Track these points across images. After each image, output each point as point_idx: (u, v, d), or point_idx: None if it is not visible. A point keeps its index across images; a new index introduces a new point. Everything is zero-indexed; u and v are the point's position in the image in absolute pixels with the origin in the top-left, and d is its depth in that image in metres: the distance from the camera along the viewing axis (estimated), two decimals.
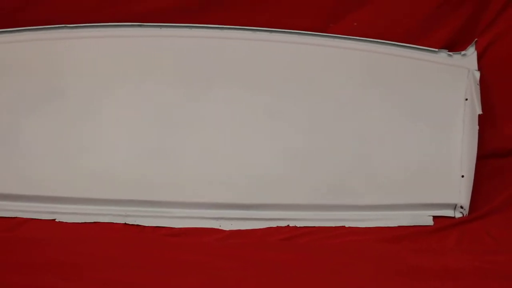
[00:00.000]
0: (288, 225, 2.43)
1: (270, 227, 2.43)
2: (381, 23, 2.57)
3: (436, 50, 2.54)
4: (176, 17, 2.50)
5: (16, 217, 2.42)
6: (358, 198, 2.46)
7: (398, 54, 2.49)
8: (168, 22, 2.47)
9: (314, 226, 2.42)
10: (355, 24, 2.55)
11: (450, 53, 2.54)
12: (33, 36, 2.44)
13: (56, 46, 2.45)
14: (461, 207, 2.47)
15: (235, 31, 2.47)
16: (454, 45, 2.63)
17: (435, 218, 2.46)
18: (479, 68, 2.53)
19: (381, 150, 2.48)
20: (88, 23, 2.46)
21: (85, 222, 2.42)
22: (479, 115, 2.46)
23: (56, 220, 2.42)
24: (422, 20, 2.63)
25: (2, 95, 2.45)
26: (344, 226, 2.43)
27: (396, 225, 2.43)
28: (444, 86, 2.51)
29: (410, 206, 2.47)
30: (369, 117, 2.49)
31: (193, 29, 2.46)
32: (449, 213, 2.48)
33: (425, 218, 2.45)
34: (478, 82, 2.51)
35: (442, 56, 2.54)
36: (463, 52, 2.55)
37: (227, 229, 2.42)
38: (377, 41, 2.50)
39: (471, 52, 2.55)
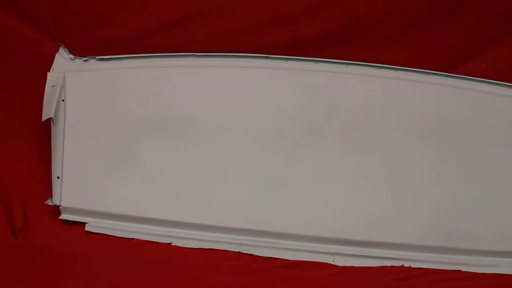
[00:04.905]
0: (403, 265, 2.40)
1: (384, 266, 2.41)
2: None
3: None
4: (301, 51, 2.50)
5: (134, 238, 2.48)
6: (476, 243, 2.41)
7: None
8: (293, 55, 2.48)
9: (429, 268, 2.39)
10: (484, 66, 2.49)
11: None
12: (162, 62, 2.49)
13: (183, 73, 2.49)
14: None
15: (360, 67, 2.45)
16: None
17: None
18: None
19: (502, 195, 2.42)
20: (216, 52, 2.49)
21: (200, 248, 2.45)
22: None
23: (172, 244, 2.46)
24: None
25: (128, 118, 2.49)
26: (460, 270, 2.38)
27: None
28: None
29: None
30: (493, 161, 2.43)
31: (319, 63, 2.46)
32: None
33: None
34: None
35: None
36: None
37: (341, 265, 2.41)
38: (506, 84, 2.44)
39: None
